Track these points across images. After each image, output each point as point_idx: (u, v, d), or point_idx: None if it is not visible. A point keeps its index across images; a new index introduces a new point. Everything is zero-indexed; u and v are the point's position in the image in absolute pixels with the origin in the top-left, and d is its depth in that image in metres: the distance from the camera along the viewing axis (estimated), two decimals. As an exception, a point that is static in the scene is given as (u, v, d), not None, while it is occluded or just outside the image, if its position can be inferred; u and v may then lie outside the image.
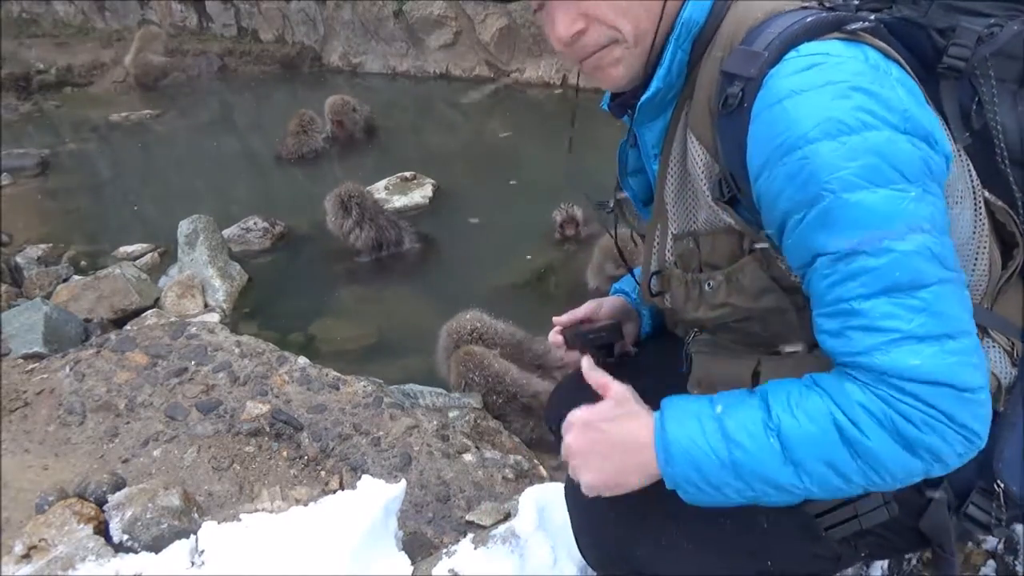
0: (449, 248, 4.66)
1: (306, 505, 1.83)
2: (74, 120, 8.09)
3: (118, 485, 1.97)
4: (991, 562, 1.71)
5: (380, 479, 1.81)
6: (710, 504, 1.01)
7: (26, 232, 5.17)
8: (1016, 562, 1.70)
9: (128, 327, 3.35)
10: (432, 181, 5.41)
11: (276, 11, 9.44)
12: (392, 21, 8.42)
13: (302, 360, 2.77)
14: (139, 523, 1.78)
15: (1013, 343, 1.16)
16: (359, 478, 1.85)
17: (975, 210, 1.10)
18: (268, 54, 9.49)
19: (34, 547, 1.71)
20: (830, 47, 0.98)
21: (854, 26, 1.01)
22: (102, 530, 1.78)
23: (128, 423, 2.43)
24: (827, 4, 1.11)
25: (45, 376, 2.66)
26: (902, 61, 1.03)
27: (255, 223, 4.84)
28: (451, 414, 2.63)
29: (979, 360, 0.94)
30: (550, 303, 3.83)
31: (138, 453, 2.31)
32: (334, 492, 2.06)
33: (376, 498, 1.72)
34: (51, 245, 4.88)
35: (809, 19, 1.00)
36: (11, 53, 9.75)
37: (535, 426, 2.74)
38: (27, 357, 2.91)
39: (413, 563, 1.71)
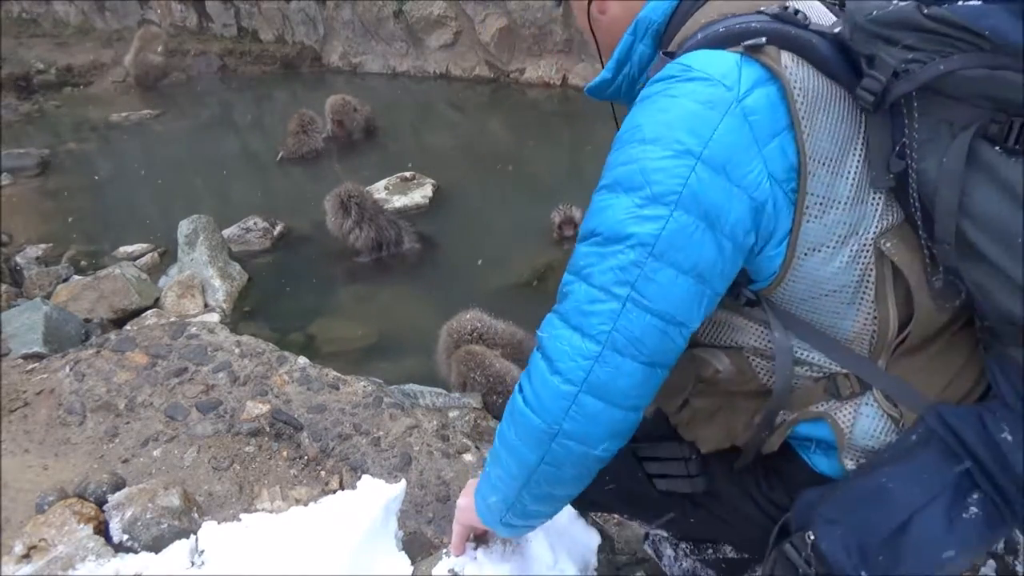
0: (449, 248, 4.66)
1: (306, 505, 1.83)
2: (74, 120, 8.09)
3: (118, 485, 1.97)
4: (991, 562, 1.71)
5: (380, 479, 1.81)
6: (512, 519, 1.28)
7: (26, 232, 5.16)
8: (1016, 562, 1.70)
9: (128, 327, 3.35)
10: (432, 181, 5.41)
11: (276, 11, 9.44)
12: (392, 21, 8.42)
13: (302, 360, 2.77)
14: (139, 523, 1.78)
15: (901, 412, 1.10)
16: (359, 478, 1.85)
17: (857, 258, 1.04)
18: (268, 54, 9.50)
19: (34, 547, 1.71)
20: (695, 60, 1.04)
21: (749, 42, 1.03)
22: (102, 530, 1.78)
23: (128, 423, 2.43)
24: (786, 6, 1.09)
25: (45, 376, 2.66)
26: (791, 84, 1.00)
27: (255, 223, 4.84)
28: (451, 414, 2.63)
29: (581, 357, 1.06)
30: (550, 303, 3.82)
31: (138, 453, 2.31)
32: (334, 492, 2.06)
33: (376, 498, 1.72)
34: (51, 245, 4.88)
35: (722, 29, 1.06)
36: (11, 53, 9.72)
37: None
38: (27, 357, 2.90)
39: (413, 563, 1.71)
